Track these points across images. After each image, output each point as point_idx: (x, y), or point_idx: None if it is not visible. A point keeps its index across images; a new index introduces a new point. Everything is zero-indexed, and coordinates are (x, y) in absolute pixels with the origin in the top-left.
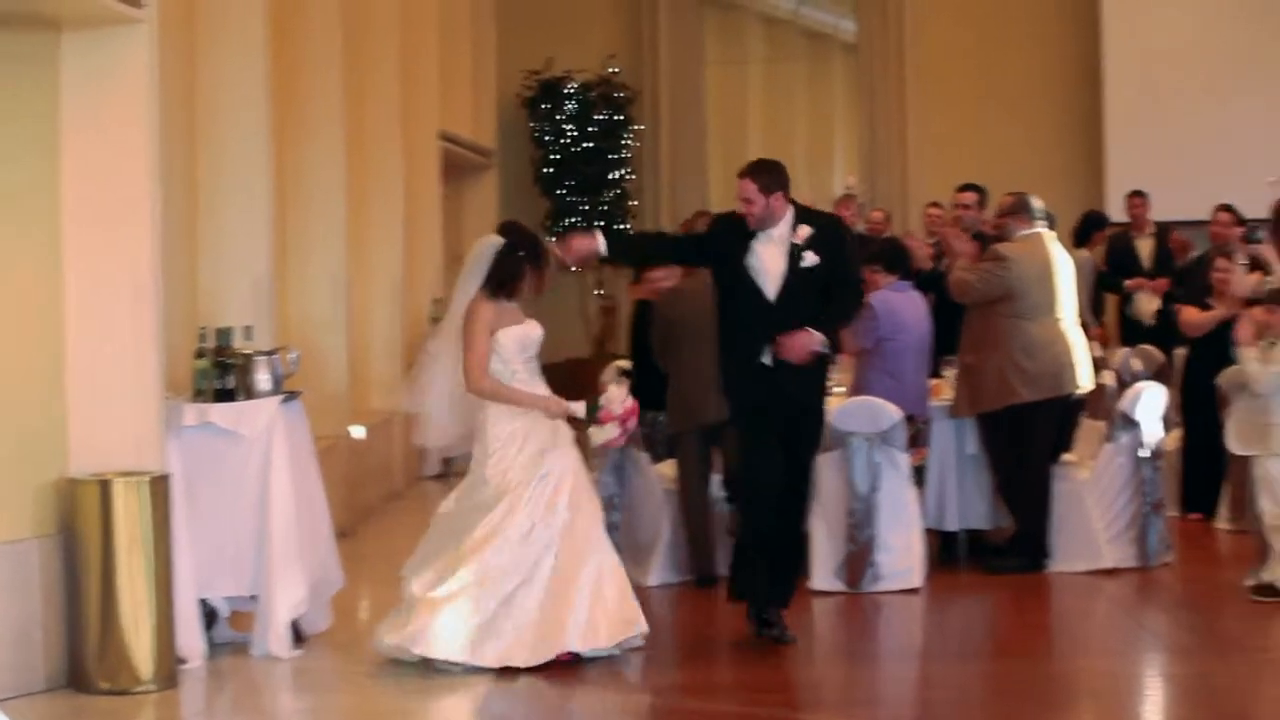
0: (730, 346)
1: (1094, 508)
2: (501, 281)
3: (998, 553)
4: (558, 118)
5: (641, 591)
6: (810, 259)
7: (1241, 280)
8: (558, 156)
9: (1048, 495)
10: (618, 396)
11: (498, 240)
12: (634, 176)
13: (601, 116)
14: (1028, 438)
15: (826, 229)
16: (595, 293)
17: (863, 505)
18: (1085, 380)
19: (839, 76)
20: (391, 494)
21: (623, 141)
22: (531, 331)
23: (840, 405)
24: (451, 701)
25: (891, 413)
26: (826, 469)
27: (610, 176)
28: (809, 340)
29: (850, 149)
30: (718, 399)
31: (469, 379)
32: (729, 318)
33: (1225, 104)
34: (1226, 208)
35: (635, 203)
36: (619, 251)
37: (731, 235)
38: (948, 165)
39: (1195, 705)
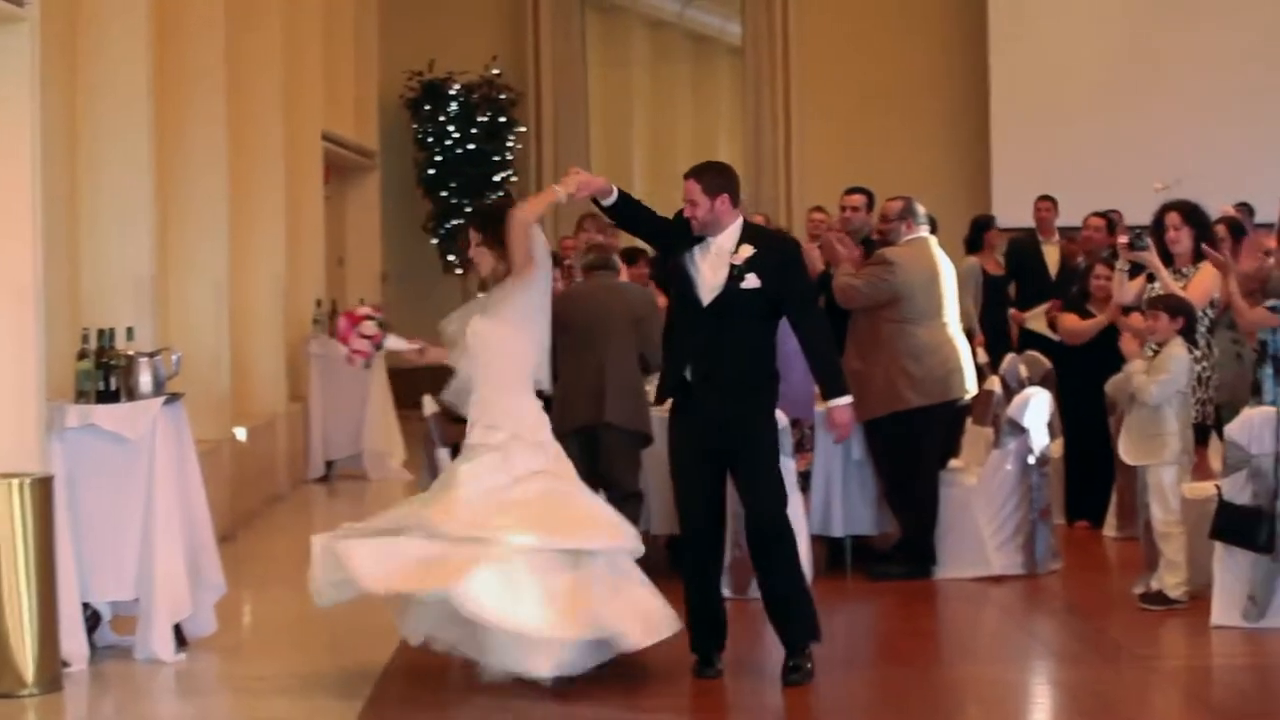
0: (666, 353)
1: (981, 514)
2: None
3: (884, 559)
4: (440, 119)
5: None
6: (751, 281)
7: (1123, 287)
8: (440, 158)
9: (935, 501)
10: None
11: None
12: (517, 179)
13: (484, 118)
14: (916, 443)
15: (772, 251)
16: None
17: None
18: (971, 385)
19: (724, 79)
20: (274, 497)
21: (506, 144)
22: None
23: None
24: (335, 706)
25: (777, 418)
26: None
27: (494, 179)
28: (844, 416)
29: (734, 152)
30: (591, 402)
31: None
32: (670, 322)
33: (1113, 108)
34: (1099, 214)
35: None
36: (622, 209)
37: (680, 234)
38: (832, 169)
39: (1083, 713)
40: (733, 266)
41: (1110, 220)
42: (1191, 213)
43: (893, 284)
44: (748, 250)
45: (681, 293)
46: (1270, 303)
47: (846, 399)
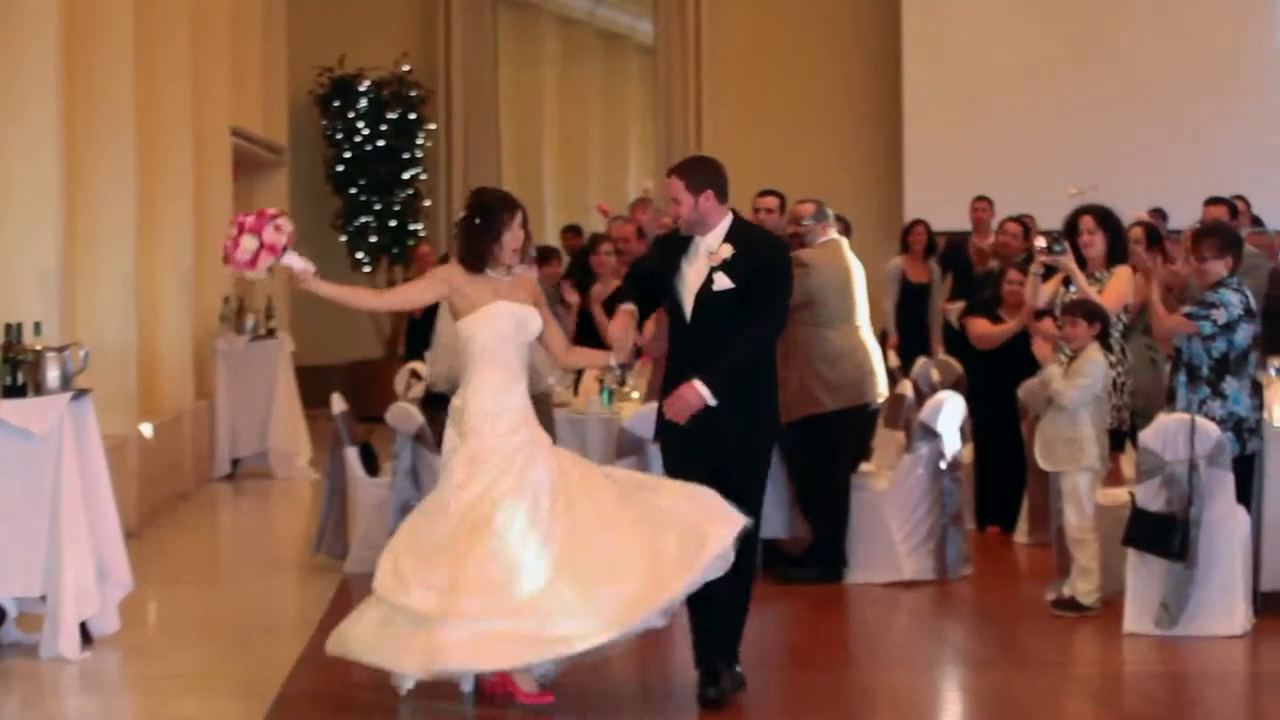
0: (667, 380)
1: (893, 519)
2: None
3: (794, 563)
4: (350, 115)
5: None
6: (722, 283)
7: (1036, 289)
8: (350, 155)
9: (846, 505)
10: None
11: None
12: (426, 176)
13: (394, 115)
14: (829, 447)
15: (753, 252)
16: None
17: None
18: (884, 389)
19: (634, 78)
20: (179, 495)
21: (415, 141)
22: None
23: (637, 411)
24: (240, 706)
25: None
26: None
27: (403, 176)
28: (692, 398)
29: (645, 152)
30: None
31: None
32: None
33: (1027, 111)
34: (1015, 219)
35: (428, 203)
36: (644, 300)
37: (668, 253)
38: (743, 169)
39: (995, 718)
40: (710, 268)
41: (1025, 225)
42: (1105, 217)
43: (808, 286)
44: (726, 250)
45: (672, 310)
46: (1187, 309)
47: (705, 390)
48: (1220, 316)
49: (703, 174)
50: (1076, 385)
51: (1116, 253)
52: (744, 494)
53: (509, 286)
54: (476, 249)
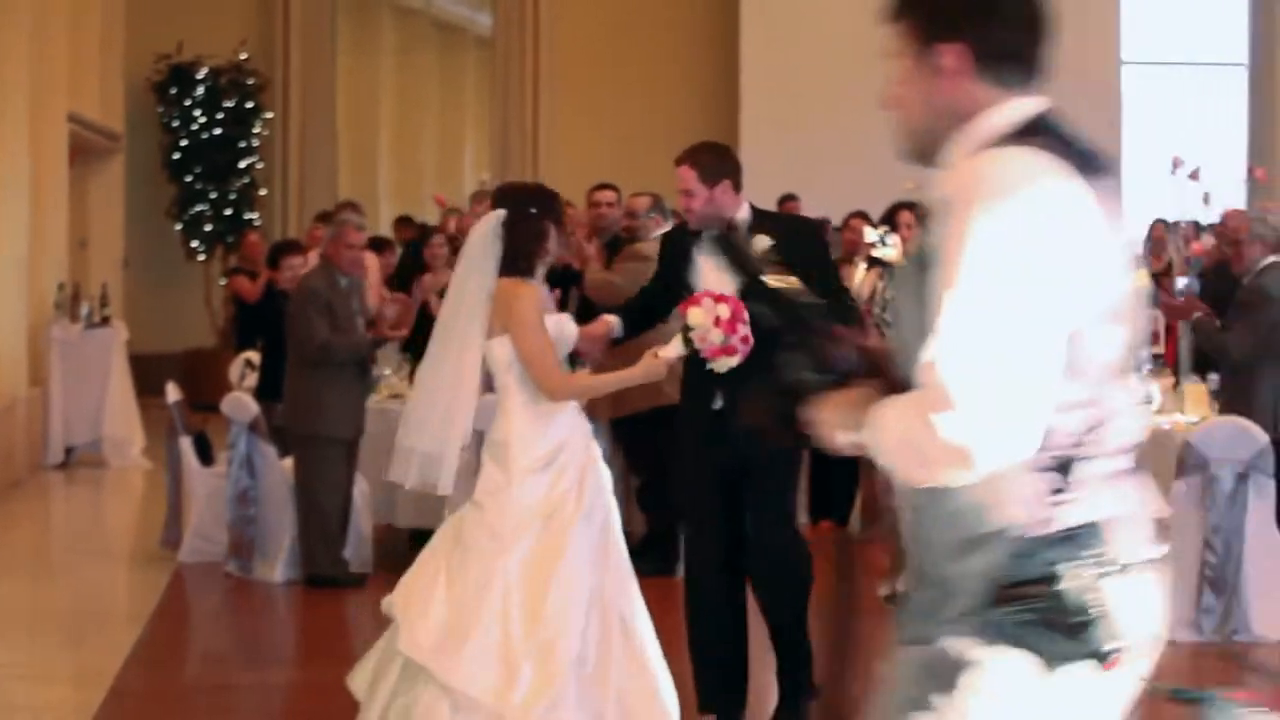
0: (684, 389)
1: None
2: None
3: (630, 554)
4: (187, 103)
5: (269, 589)
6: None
7: (860, 284)
8: (186, 142)
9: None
10: (704, 318)
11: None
12: (263, 165)
13: (231, 104)
14: (669, 440)
15: (790, 239)
16: (220, 281)
17: None
18: None
19: (471, 71)
20: (11, 483)
21: (252, 129)
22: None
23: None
24: (74, 696)
25: None
26: None
27: (239, 165)
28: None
29: (482, 144)
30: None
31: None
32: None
33: (864, 107)
34: (861, 215)
35: (264, 191)
36: (638, 326)
37: (677, 251)
38: (581, 163)
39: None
40: None
41: (873, 221)
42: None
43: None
44: (764, 241)
45: None
46: None
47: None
48: None
49: (718, 163)
50: None
51: None
52: (768, 504)
53: None
54: (527, 250)
